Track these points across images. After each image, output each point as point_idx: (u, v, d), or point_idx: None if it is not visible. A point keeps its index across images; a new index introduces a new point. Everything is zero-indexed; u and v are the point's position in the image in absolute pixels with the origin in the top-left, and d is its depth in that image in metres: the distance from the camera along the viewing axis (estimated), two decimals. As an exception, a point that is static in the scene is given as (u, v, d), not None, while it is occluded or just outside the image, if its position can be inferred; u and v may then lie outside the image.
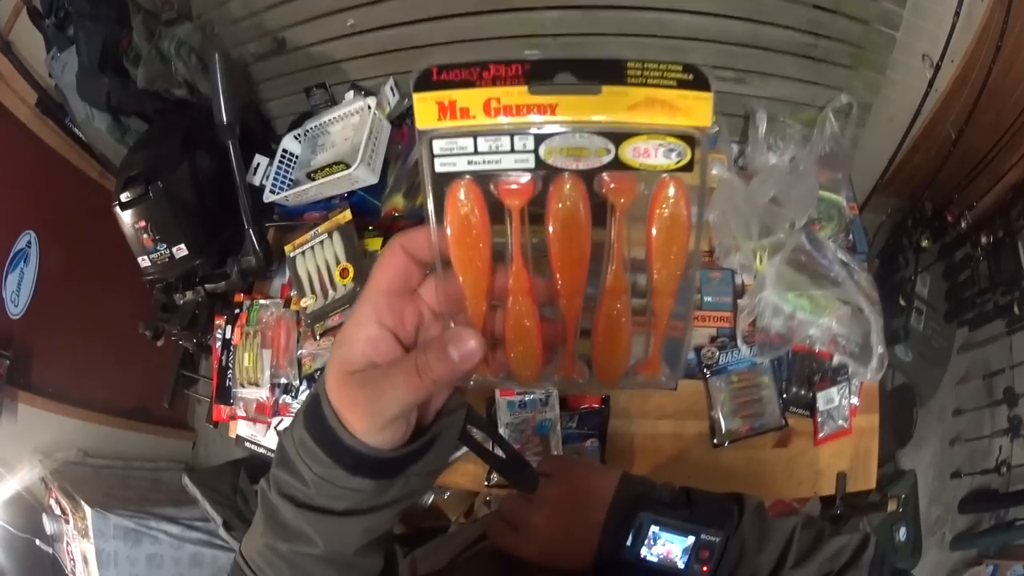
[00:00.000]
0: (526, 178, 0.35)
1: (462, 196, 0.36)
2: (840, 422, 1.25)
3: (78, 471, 1.68)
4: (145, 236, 1.24)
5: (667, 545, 0.51)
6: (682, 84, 0.33)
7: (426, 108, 0.34)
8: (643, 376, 0.41)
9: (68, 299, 1.70)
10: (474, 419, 0.46)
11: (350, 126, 1.29)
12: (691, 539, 0.50)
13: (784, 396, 1.22)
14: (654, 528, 0.50)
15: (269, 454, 1.24)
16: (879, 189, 1.83)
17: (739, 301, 1.21)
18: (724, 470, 1.20)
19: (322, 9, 1.27)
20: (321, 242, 1.24)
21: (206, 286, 1.35)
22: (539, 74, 0.33)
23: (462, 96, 0.33)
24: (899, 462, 2.00)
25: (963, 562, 2.17)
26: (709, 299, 1.24)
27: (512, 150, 0.34)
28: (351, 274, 1.19)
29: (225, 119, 1.20)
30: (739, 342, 1.18)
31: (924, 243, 1.94)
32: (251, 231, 1.25)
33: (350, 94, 1.32)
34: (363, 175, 1.23)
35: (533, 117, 0.33)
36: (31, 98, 1.77)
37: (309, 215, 1.32)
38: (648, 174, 0.35)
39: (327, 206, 1.30)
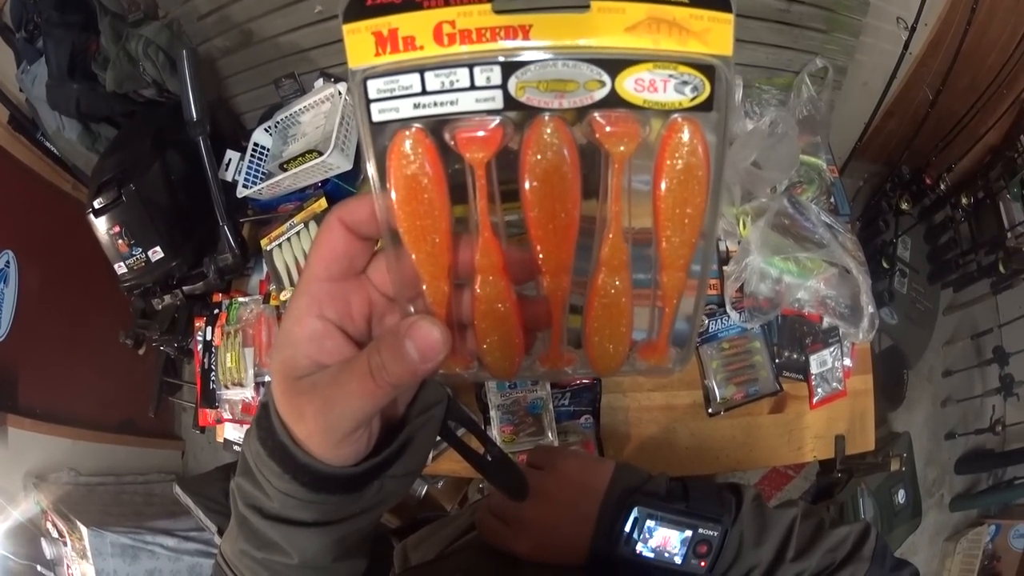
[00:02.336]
0: (493, 123, 0.26)
1: (408, 150, 0.27)
2: (834, 384, 1.21)
3: (72, 491, 1.63)
4: (120, 241, 1.20)
5: (663, 539, 0.48)
6: (696, 1, 0.25)
7: (359, 42, 0.25)
8: (646, 362, 0.33)
9: (49, 316, 1.64)
10: (456, 413, 0.40)
11: (321, 114, 1.24)
12: (688, 533, 0.48)
13: (776, 361, 1.18)
14: (649, 522, 0.48)
15: None
16: (856, 154, 1.80)
17: (725, 268, 1.17)
18: (721, 439, 1.16)
19: None
20: (297, 233, 1.20)
21: (184, 288, 1.29)
22: None
23: (405, 22, 0.25)
24: (892, 425, 1.96)
25: (964, 522, 2.14)
26: (696, 267, 1.20)
27: (472, 86, 0.25)
28: None
29: (195, 116, 1.16)
30: (728, 308, 1.14)
31: (904, 206, 1.91)
32: (225, 228, 1.21)
33: (319, 82, 1.28)
34: (337, 161, 1.18)
35: (501, 44, 0.24)
36: (2, 115, 1.71)
37: (284, 207, 1.27)
38: (655, 114, 0.26)
39: (301, 197, 1.25)
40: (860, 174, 2.09)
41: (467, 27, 0.24)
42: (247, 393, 1.19)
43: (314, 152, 1.18)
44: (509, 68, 0.25)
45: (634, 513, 0.48)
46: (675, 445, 1.16)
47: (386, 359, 0.29)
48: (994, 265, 1.90)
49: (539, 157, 0.27)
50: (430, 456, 1.13)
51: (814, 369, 1.19)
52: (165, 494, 1.71)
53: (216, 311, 1.25)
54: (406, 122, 0.26)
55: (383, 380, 0.29)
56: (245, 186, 1.25)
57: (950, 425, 2.12)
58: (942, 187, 1.97)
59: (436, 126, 0.27)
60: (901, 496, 1.81)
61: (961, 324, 2.17)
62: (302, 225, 1.19)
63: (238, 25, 1.28)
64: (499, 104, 0.25)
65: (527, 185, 0.27)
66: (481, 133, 0.26)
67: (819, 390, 1.20)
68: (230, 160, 1.28)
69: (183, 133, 1.19)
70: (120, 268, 1.22)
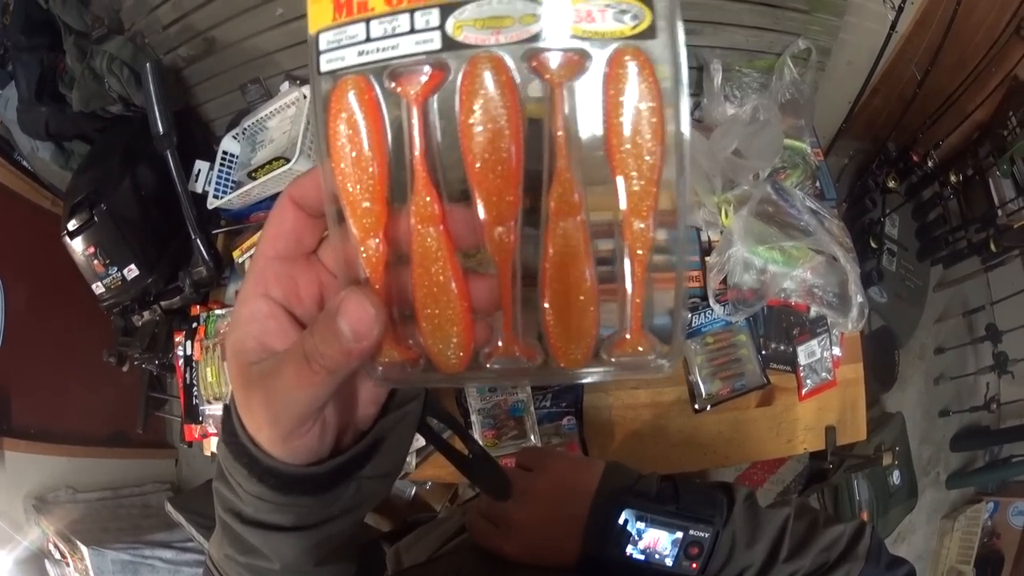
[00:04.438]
0: (430, 63, 0.24)
1: (350, 98, 0.25)
2: (824, 375, 1.14)
3: (70, 510, 1.58)
4: (96, 262, 1.16)
5: (653, 540, 0.46)
6: None
7: (320, 9, 0.25)
8: (622, 355, 0.27)
9: (37, 335, 1.58)
10: (435, 411, 0.37)
11: (287, 118, 1.16)
12: (679, 534, 0.46)
13: (763, 353, 1.11)
14: (639, 523, 0.45)
15: None
16: (841, 132, 1.71)
17: (707, 259, 1.09)
18: (708, 434, 1.09)
19: (250, 2, 1.14)
20: None
21: (162, 304, 1.23)
22: None
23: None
24: (885, 405, 1.89)
25: (961, 500, 2.08)
26: (676, 259, 1.12)
27: (412, 30, 0.24)
28: None
29: (161, 129, 1.11)
30: (711, 301, 1.06)
31: (891, 184, 1.82)
32: (198, 241, 1.15)
33: (285, 85, 1.20)
34: (304, 167, 1.10)
35: None
36: (-21, 138, 1.63)
37: (256, 216, 1.20)
38: (595, 46, 0.24)
39: (273, 204, 1.17)
40: (845, 152, 1.99)
41: None
42: None
43: (281, 159, 1.11)
44: (447, 10, 0.24)
45: (623, 514, 0.46)
46: (661, 442, 1.09)
47: (319, 341, 0.25)
48: (985, 243, 1.81)
49: (479, 95, 0.24)
50: (414, 462, 1.07)
51: (802, 360, 1.12)
52: (161, 504, 1.65)
53: (195, 325, 1.18)
54: (350, 70, 0.25)
55: (318, 366, 0.25)
56: (216, 196, 1.18)
57: (944, 403, 2.04)
58: (930, 164, 1.88)
59: (378, 76, 0.25)
60: (896, 477, 1.74)
61: (952, 301, 2.09)
62: None
63: (201, 33, 1.21)
64: (437, 45, 0.24)
65: (467, 128, 0.25)
66: (421, 72, 0.25)
67: (808, 381, 1.12)
68: (199, 171, 1.20)
69: (152, 147, 1.13)
70: (98, 288, 1.18)
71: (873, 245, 1.77)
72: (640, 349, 0.27)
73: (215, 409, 1.14)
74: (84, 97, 1.29)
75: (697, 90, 1.21)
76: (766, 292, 1.10)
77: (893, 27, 1.37)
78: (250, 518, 0.31)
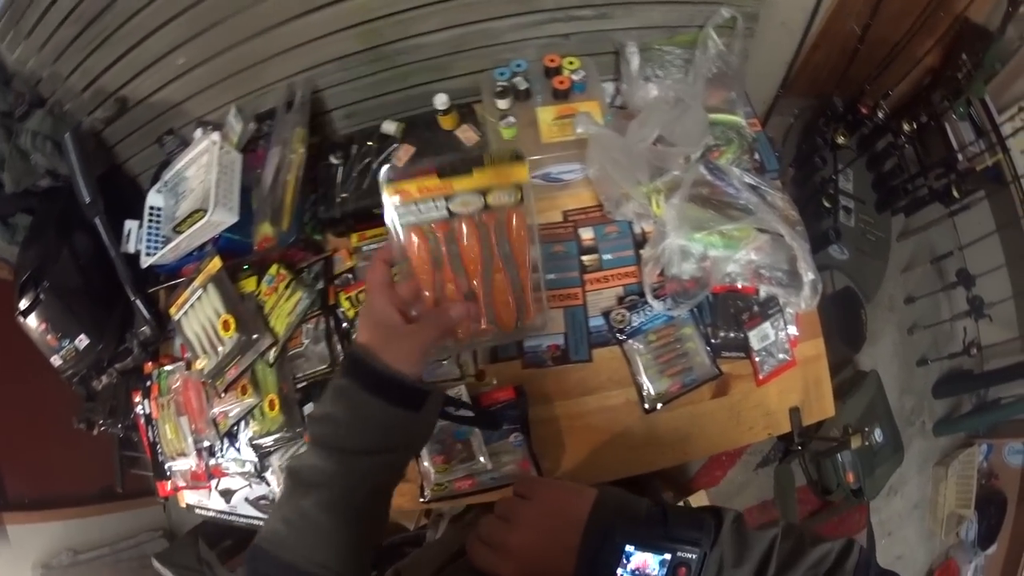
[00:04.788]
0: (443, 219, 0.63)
1: (413, 235, 0.63)
2: (781, 356, 1.02)
3: (74, 573, 1.54)
4: (49, 336, 1.14)
5: (642, 562, 0.46)
6: (512, 159, 0.62)
7: (390, 192, 0.62)
8: (526, 323, 0.67)
9: (14, 406, 1.52)
10: (449, 400, 0.66)
11: (203, 167, 1.07)
12: (667, 556, 0.45)
13: (713, 342, 0.99)
14: (629, 547, 0.46)
15: (220, 516, 1.11)
16: (782, 93, 1.56)
17: (641, 252, 0.97)
18: (664, 433, 0.98)
19: (151, 56, 1.06)
20: (199, 298, 1.04)
21: (116, 366, 1.19)
22: (443, 171, 0.61)
23: (406, 185, 0.61)
24: (859, 363, 1.76)
25: (952, 445, 1.96)
26: (608, 256, 1.01)
27: (434, 206, 0.62)
28: (233, 326, 0.99)
29: (87, 198, 1.07)
30: (649, 297, 0.94)
31: (840, 139, 1.67)
32: (138, 302, 1.12)
33: (198, 132, 1.10)
34: (221, 217, 1.01)
35: (442, 190, 0.61)
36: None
37: (187, 268, 1.12)
38: (503, 208, 0.63)
39: (202, 255, 1.09)
40: (789, 111, 1.84)
41: (430, 186, 0.61)
42: (191, 462, 1.08)
43: (200, 211, 1.02)
44: (448, 198, 0.62)
45: (615, 541, 0.46)
46: (616, 447, 0.99)
47: (440, 318, 0.60)
48: (947, 189, 1.66)
49: (465, 231, 0.64)
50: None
51: (755, 345, 1.00)
52: (164, 547, 1.61)
53: (148, 383, 1.14)
54: (415, 223, 0.63)
55: (442, 323, 0.60)
56: (148, 254, 1.11)
57: (920, 351, 1.92)
58: (880, 115, 1.72)
59: (426, 222, 0.63)
60: (878, 435, 1.63)
61: (918, 248, 1.95)
62: (202, 289, 1.04)
63: (112, 93, 1.13)
64: (444, 213, 0.62)
65: (464, 243, 0.64)
66: (440, 223, 0.63)
67: (764, 366, 1.01)
68: (129, 231, 1.13)
69: (83, 213, 1.10)
70: (56, 360, 1.15)
71: (827, 204, 1.63)
72: (532, 319, 0.67)
73: (179, 465, 1.09)
74: (15, 177, 1.23)
75: (616, 75, 1.08)
76: (708, 280, 0.98)
77: (825, -20, 1.23)
78: (334, 444, 0.53)
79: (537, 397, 0.97)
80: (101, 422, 1.21)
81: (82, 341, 1.12)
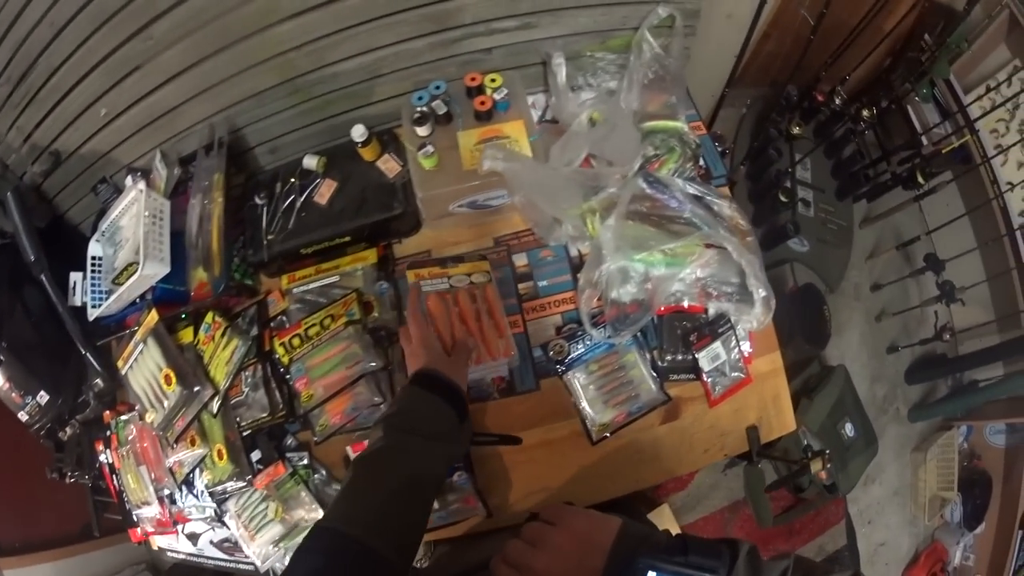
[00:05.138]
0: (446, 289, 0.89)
1: (430, 304, 0.86)
2: (734, 374, 0.97)
3: None
4: (13, 395, 1.12)
5: None
6: (481, 259, 0.96)
7: (412, 276, 0.90)
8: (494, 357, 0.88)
9: (-4, 454, 1.49)
10: (477, 436, 0.84)
11: (134, 215, 1.03)
12: None
13: (660, 365, 0.93)
14: (651, 573, 0.47)
15: (190, 558, 1.11)
16: (733, 82, 1.48)
17: (578, 277, 0.90)
18: (614, 462, 0.93)
19: (76, 110, 1.02)
20: (141, 351, 1.01)
21: (77, 418, 1.17)
22: (444, 264, 0.93)
23: (419, 271, 0.90)
24: (825, 357, 1.70)
25: (929, 430, 1.92)
26: (544, 283, 0.94)
27: (438, 282, 0.89)
28: (174, 379, 0.96)
29: (32, 256, 1.06)
30: (587, 326, 0.88)
31: (795, 130, 1.59)
32: (88, 355, 1.09)
33: (128, 179, 1.05)
34: (153, 270, 0.96)
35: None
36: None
37: (131, 318, 1.07)
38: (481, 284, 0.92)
39: (142, 305, 1.06)
40: (742, 101, 1.76)
41: (435, 272, 0.92)
42: (155, 510, 1.06)
43: (134, 264, 0.98)
44: (447, 278, 0.92)
45: (638, 565, 0.47)
46: (564, 479, 0.94)
47: (469, 348, 0.84)
48: (912, 175, 1.59)
49: (461, 297, 0.90)
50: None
51: (705, 366, 0.94)
52: None
53: (108, 432, 1.11)
54: (429, 292, 0.89)
55: (470, 355, 0.84)
56: (94, 306, 1.07)
57: (890, 339, 1.87)
58: (837, 101, 1.64)
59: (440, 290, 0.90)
60: (849, 430, 1.58)
61: (883, 234, 1.89)
62: (143, 343, 1.00)
63: (46, 148, 1.10)
64: (447, 286, 0.91)
65: (458, 307, 0.90)
66: (442, 291, 0.91)
67: (716, 386, 0.95)
68: (75, 283, 1.09)
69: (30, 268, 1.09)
70: (23, 416, 1.14)
71: (783, 199, 1.56)
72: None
73: (144, 513, 1.08)
74: None
75: (546, 86, 1.00)
76: (652, 302, 0.92)
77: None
78: (425, 432, 0.70)
79: (477, 436, 0.92)
80: (70, 472, 1.19)
81: (43, 397, 1.12)
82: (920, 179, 1.55)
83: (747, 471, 1.50)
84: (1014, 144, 1.51)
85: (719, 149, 1.58)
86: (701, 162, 1.05)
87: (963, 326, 1.77)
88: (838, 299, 1.75)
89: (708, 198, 0.96)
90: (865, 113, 1.58)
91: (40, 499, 1.56)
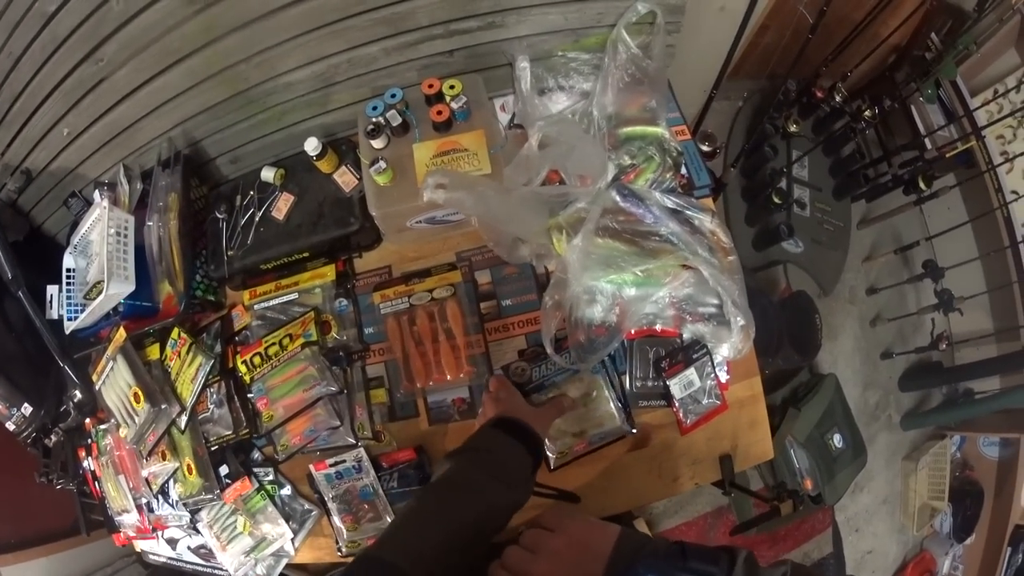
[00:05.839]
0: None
1: (387, 326, 0.89)
2: (709, 402, 0.89)
3: None
4: (1, 406, 1.12)
5: None
6: (450, 269, 0.90)
7: (378, 297, 0.91)
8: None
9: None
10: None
11: (102, 230, 0.99)
12: None
13: (630, 390, 0.86)
14: None
15: (170, 562, 1.12)
16: (730, 74, 1.36)
17: (543, 297, 0.82)
18: (578, 488, 0.87)
19: (40, 130, 1.02)
20: (112, 368, 0.99)
21: (60, 426, 1.17)
22: (408, 279, 0.91)
23: (385, 291, 0.90)
24: (816, 365, 1.61)
25: (921, 438, 1.83)
26: (508, 302, 0.87)
27: (399, 302, 0.90)
28: (142, 397, 0.94)
29: (8, 274, 1.04)
30: (549, 350, 0.80)
31: (793, 127, 1.47)
32: (66, 367, 1.08)
33: (96, 193, 1.03)
34: (118, 289, 0.93)
35: None
36: None
37: (104, 331, 1.05)
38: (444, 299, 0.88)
39: (115, 318, 1.04)
40: (738, 93, 1.63)
41: (398, 290, 0.91)
42: (135, 517, 1.07)
43: (101, 283, 0.95)
44: (409, 296, 0.90)
45: (637, 572, 0.46)
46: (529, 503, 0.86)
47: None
48: (913, 179, 1.47)
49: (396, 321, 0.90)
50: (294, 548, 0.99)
51: (677, 394, 0.87)
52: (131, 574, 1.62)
53: (89, 441, 1.13)
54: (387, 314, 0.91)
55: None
56: (70, 319, 1.05)
57: (884, 344, 1.77)
58: (837, 99, 1.52)
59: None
60: (837, 440, 1.50)
61: (881, 237, 1.77)
62: (113, 360, 0.98)
63: (17, 167, 1.11)
64: (407, 305, 0.90)
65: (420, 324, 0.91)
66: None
67: (690, 415, 0.89)
68: (51, 296, 1.09)
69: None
70: (11, 426, 1.15)
71: (777, 200, 1.45)
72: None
73: (124, 519, 1.09)
74: None
75: (513, 89, 0.91)
76: (621, 326, 0.84)
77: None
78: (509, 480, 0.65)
79: (437, 454, 0.87)
80: (56, 478, 1.21)
81: (26, 408, 1.12)
82: (922, 184, 1.44)
83: (735, 499, 1.44)
84: (1022, 154, 1.40)
85: (709, 149, 1.48)
86: (683, 171, 0.96)
87: (961, 335, 1.67)
88: (832, 302, 1.65)
89: (688, 211, 0.88)
90: (867, 113, 1.46)
91: (30, 499, 1.57)
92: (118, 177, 1.05)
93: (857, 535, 1.78)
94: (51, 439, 1.19)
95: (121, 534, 1.12)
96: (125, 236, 0.98)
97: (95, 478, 1.12)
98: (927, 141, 1.49)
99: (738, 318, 0.83)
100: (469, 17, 0.84)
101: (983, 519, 1.76)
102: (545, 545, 0.50)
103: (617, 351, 0.87)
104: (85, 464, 1.14)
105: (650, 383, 0.87)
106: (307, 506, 0.98)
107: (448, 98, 0.82)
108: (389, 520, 0.90)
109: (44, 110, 0.98)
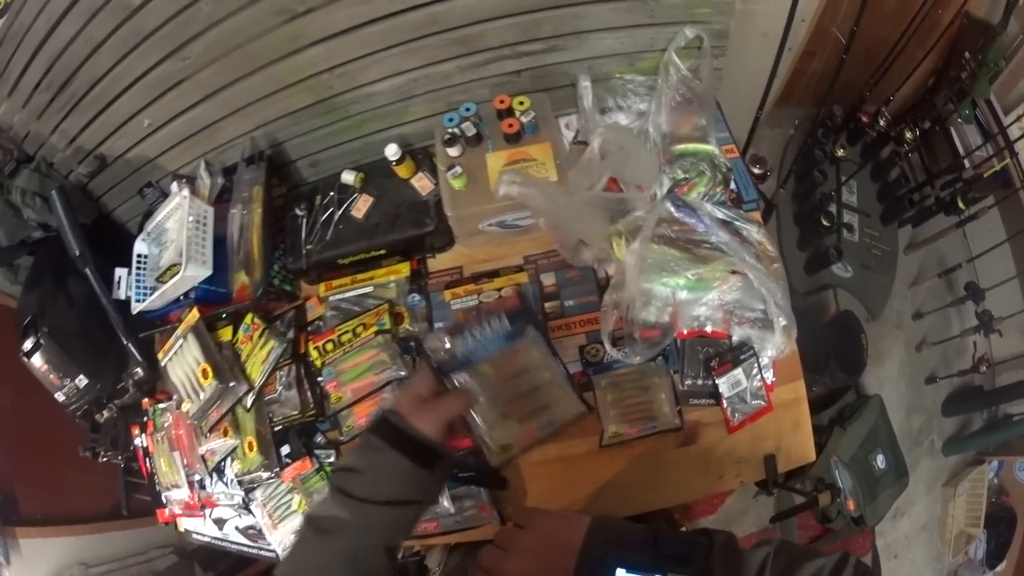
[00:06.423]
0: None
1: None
2: (755, 402, 0.93)
3: None
4: (52, 376, 1.15)
5: None
6: (518, 271, 0.97)
7: (449, 294, 0.97)
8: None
9: (26, 431, 1.53)
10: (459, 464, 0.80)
11: (179, 219, 1.07)
12: None
13: (681, 388, 0.91)
14: (621, 570, 0.45)
15: (214, 542, 1.13)
16: (781, 101, 1.42)
17: (604, 299, 0.89)
18: (628, 482, 0.92)
19: (119, 119, 1.06)
20: (181, 346, 1.04)
21: (115, 403, 1.20)
22: (478, 279, 0.97)
23: (456, 289, 0.98)
24: (863, 385, 1.62)
25: (962, 464, 1.80)
26: (570, 303, 0.93)
27: (468, 299, 0.98)
28: (211, 374, 0.99)
29: (76, 251, 1.07)
30: (607, 346, 0.86)
31: (840, 152, 1.52)
32: (130, 345, 1.11)
33: (174, 185, 1.09)
34: (195, 272, 0.99)
35: None
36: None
37: (174, 314, 1.11)
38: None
39: (185, 302, 1.09)
40: (789, 121, 1.69)
41: (468, 288, 0.99)
42: (184, 493, 1.09)
43: (177, 265, 1.02)
44: (479, 295, 0.98)
45: (607, 562, 0.46)
46: (577, 494, 0.92)
47: (462, 398, 0.71)
48: (952, 200, 1.50)
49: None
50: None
51: (725, 392, 0.91)
52: (167, 568, 1.63)
53: (145, 418, 1.15)
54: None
55: (463, 404, 0.68)
56: (138, 301, 1.10)
57: (929, 368, 1.76)
58: (881, 123, 1.57)
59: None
60: (880, 461, 1.50)
61: (927, 261, 1.78)
62: (183, 338, 1.03)
63: (91, 151, 1.14)
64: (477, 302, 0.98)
65: None
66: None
67: (736, 413, 0.92)
68: (120, 278, 1.12)
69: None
70: (60, 397, 1.17)
71: (825, 223, 1.49)
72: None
73: (173, 495, 1.11)
74: (9, 231, 1.24)
75: (576, 108, 0.99)
76: (673, 325, 0.89)
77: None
78: (354, 494, 0.56)
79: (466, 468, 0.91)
80: (104, 452, 1.24)
81: (81, 380, 1.14)
82: (961, 204, 1.46)
83: (779, 498, 1.44)
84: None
85: (759, 171, 1.53)
86: (732, 186, 1.02)
87: (1001, 357, 1.66)
88: (880, 327, 1.66)
89: (737, 223, 0.93)
90: (908, 135, 1.50)
91: (69, 477, 1.59)
92: (198, 171, 1.10)
93: (896, 561, 1.74)
94: (103, 414, 1.21)
95: (166, 511, 1.14)
96: (205, 225, 1.03)
97: (147, 454, 1.14)
98: (965, 161, 1.52)
99: (780, 318, 0.88)
100: (533, 40, 0.93)
101: (1015, 545, 1.70)
102: (516, 542, 0.51)
103: (670, 351, 0.92)
104: (137, 441, 1.15)
105: (700, 381, 0.92)
106: (363, 490, 1.03)
107: (518, 113, 0.91)
108: (446, 504, 0.92)
109: (124, 100, 1.01)
